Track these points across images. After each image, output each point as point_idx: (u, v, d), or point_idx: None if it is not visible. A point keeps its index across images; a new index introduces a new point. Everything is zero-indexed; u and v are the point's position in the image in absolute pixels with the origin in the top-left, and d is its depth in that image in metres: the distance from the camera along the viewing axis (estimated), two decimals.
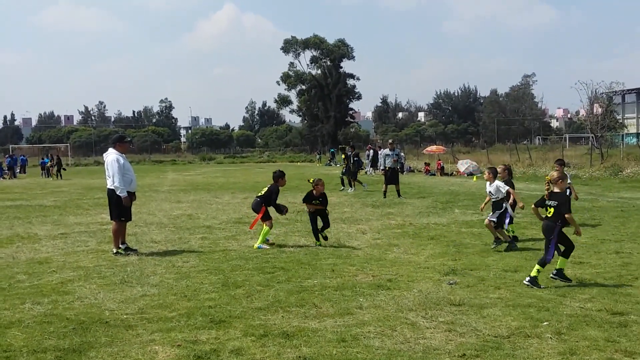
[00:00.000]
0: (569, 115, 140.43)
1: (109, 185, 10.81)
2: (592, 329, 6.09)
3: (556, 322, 6.29)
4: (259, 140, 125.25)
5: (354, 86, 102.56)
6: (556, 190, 8.03)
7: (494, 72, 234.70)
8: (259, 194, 11.72)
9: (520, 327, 6.15)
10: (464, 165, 38.68)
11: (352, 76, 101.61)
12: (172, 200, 21.42)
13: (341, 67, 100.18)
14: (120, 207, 10.74)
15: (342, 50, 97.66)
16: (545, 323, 6.28)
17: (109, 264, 9.79)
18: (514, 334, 5.96)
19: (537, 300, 7.17)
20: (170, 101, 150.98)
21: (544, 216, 8.18)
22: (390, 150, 22.36)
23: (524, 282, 7.88)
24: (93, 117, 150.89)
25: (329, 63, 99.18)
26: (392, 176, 21.61)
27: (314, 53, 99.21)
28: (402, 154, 41.39)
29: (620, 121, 75.14)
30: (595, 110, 43.68)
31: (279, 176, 11.80)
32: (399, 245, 11.43)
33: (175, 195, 23.70)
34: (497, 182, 11.09)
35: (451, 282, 8.18)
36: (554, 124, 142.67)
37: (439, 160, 41.26)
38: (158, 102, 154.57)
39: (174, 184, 31.57)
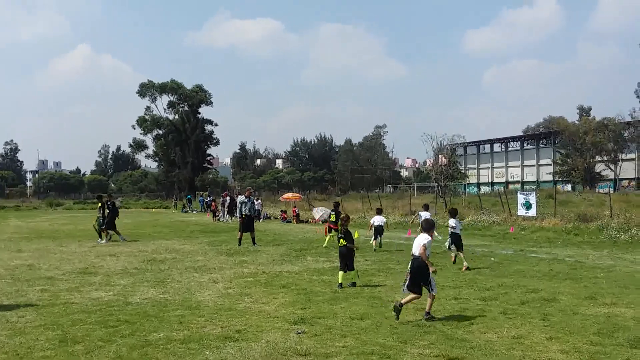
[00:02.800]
0: (417, 165, 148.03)
1: None
2: None
3: None
4: (113, 186, 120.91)
5: (212, 132, 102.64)
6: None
7: (349, 122, 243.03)
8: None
9: None
10: (318, 212, 39.45)
11: (210, 122, 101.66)
12: (12, 249, 20.02)
13: (199, 113, 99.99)
14: None
15: (200, 96, 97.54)
16: None
17: None
18: None
19: (380, 348, 7.39)
20: (16, 143, 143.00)
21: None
22: (246, 197, 22.40)
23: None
24: None
25: (186, 108, 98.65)
26: (248, 223, 21.61)
27: (172, 98, 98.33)
28: (259, 201, 41.65)
29: (463, 171, 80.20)
30: (440, 161, 46.42)
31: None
32: (250, 294, 11.37)
33: (16, 244, 22.19)
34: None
35: (299, 331, 8.25)
36: (404, 173, 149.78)
37: (295, 207, 41.83)
38: (2, 144, 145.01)
39: (16, 232, 29.58)
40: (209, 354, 7.16)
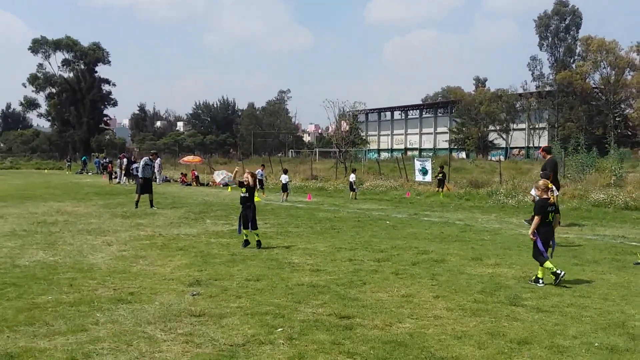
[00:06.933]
0: (319, 131, 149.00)
1: None
2: (321, 332, 6.52)
3: (289, 328, 6.63)
4: (2, 145, 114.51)
5: (110, 92, 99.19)
6: None
7: (252, 86, 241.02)
8: None
9: (256, 335, 6.38)
10: (220, 176, 39.14)
11: (107, 82, 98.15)
12: None
13: (96, 72, 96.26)
14: None
15: (97, 54, 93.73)
16: (279, 329, 6.58)
17: None
18: (249, 342, 6.15)
19: (274, 308, 7.49)
20: None
21: None
22: (150, 160, 21.98)
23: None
24: None
25: (82, 66, 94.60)
26: (145, 185, 21.15)
27: (67, 55, 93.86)
28: (160, 163, 40.70)
29: (364, 138, 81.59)
30: (342, 127, 46.88)
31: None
32: (145, 256, 11.19)
33: None
34: None
35: (194, 293, 8.21)
36: (307, 138, 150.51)
37: (194, 170, 41.25)
38: None
39: None
40: (100, 316, 7.02)
